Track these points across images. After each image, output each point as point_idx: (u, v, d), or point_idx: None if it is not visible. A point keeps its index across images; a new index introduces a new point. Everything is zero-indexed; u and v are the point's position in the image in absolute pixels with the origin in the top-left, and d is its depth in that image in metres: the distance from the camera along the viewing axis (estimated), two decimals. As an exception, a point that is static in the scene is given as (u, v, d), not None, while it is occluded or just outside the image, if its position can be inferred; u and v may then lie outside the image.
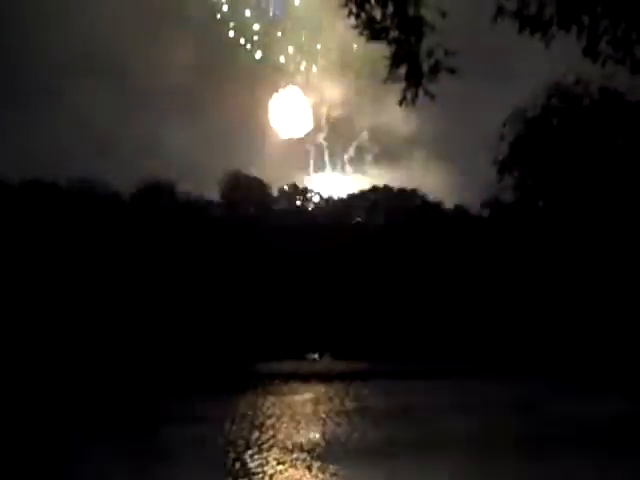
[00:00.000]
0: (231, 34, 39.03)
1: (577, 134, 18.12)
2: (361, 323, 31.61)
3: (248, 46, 38.92)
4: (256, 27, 39.70)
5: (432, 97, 6.34)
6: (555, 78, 17.87)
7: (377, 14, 6.72)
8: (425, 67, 6.32)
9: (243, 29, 39.46)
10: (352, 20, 6.86)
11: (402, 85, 6.53)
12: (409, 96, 6.24)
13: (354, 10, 6.61)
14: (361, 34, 6.63)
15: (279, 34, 40.96)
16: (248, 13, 39.98)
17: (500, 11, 6.49)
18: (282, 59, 40.68)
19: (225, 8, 39.17)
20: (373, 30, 6.62)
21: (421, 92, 6.50)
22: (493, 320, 28.35)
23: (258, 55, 39.39)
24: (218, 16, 38.73)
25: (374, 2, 6.46)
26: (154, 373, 24.06)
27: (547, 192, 19.30)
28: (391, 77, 6.34)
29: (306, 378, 24.41)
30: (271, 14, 41.13)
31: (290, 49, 40.63)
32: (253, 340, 30.37)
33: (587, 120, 18.20)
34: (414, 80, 6.16)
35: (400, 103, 6.22)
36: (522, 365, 23.83)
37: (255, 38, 39.16)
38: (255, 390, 20.87)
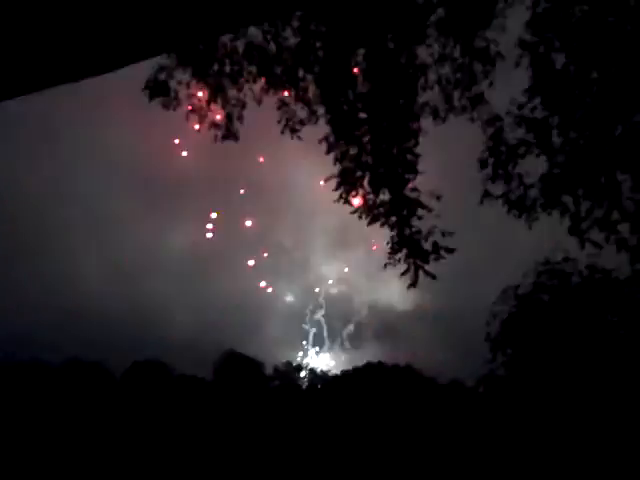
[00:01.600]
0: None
1: (567, 312, 18.43)
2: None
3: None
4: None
5: (433, 277, 6.58)
6: (544, 255, 18.36)
7: (371, 199, 7.02)
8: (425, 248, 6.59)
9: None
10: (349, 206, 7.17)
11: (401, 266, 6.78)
12: (410, 277, 6.47)
13: (349, 198, 6.92)
14: (360, 218, 6.92)
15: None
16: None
17: (486, 194, 6.84)
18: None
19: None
20: (373, 215, 6.91)
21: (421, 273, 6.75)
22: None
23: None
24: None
25: (368, 189, 6.77)
26: None
27: (539, 370, 19.42)
28: (391, 261, 6.59)
29: None
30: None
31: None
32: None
33: (576, 297, 18.55)
34: (416, 261, 6.41)
35: (410, 286, 6.44)
36: None
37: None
38: None
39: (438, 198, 6.70)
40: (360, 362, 42.25)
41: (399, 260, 6.58)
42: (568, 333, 18.47)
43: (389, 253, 6.54)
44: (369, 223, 6.96)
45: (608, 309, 18.51)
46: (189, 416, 32.09)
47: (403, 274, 6.45)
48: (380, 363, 39.82)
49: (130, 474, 27.90)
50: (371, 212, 6.92)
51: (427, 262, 6.44)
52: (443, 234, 6.63)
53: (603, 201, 6.57)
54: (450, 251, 6.61)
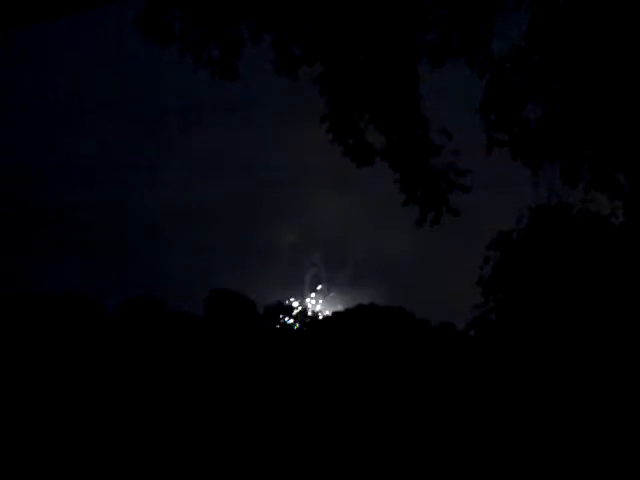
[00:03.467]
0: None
1: (560, 257, 18.46)
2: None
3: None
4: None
5: (457, 213, 6.53)
6: (539, 202, 18.32)
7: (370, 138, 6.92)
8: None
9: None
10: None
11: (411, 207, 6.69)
12: (430, 216, 6.40)
13: (345, 139, 6.81)
14: (354, 160, 6.82)
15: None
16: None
17: (492, 142, 6.77)
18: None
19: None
20: (367, 155, 6.81)
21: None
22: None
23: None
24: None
25: (366, 129, 6.67)
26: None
27: (531, 315, 19.51)
28: (409, 201, 6.51)
29: None
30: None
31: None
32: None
33: (570, 243, 18.57)
34: (436, 200, 6.33)
35: (419, 223, 6.38)
36: None
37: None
38: None
39: (449, 137, 6.63)
40: (353, 303, 42.43)
41: (413, 200, 6.53)
42: (561, 278, 18.52)
43: (407, 195, 6.45)
44: (359, 165, 6.85)
45: (602, 254, 18.56)
46: (184, 354, 32.21)
47: (422, 216, 6.39)
48: (372, 305, 40.00)
49: (123, 412, 28.05)
50: (369, 155, 6.83)
51: (447, 201, 6.38)
52: (458, 173, 6.58)
53: (600, 148, 6.55)
54: (466, 189, 6.57)
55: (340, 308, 43.34)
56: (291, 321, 42.51)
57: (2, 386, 25.25)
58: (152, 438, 26.23)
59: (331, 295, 46.73)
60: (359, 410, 29.84)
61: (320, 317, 42.30)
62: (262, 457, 21.36)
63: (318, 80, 7.04)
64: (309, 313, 41.98)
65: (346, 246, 49.16)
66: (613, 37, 6.44)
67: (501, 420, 22.60)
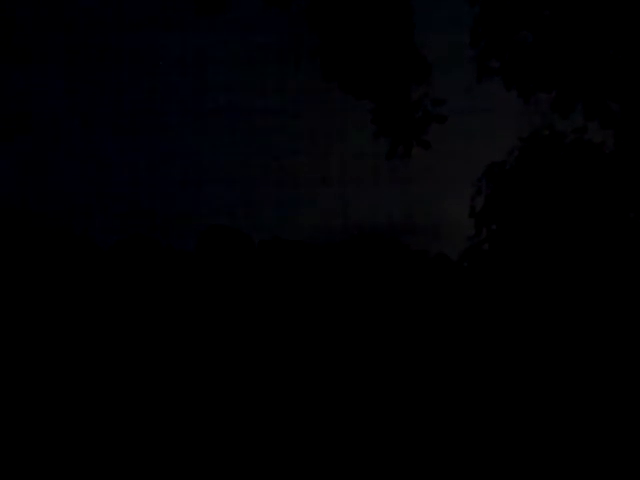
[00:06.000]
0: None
1: (553, 186, 18.50)
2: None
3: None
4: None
5: (428, 145, 6.51)
6: (530, 131, 18.30)
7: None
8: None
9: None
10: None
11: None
12: (401, 148, 6.38)
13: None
14: (350, 93, 6.74)
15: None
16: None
17: (484, 70, 6.70)
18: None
19: None
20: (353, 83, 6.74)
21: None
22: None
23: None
24: None
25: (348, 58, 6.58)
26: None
27: (524, 245, 19.59)
28: (380, 133, 6.46)
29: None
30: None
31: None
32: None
33: (562, 172, 18.59)
34: (408, 132, 6.29)
35: (389, 156, 6.34)
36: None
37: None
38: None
39: (427, 69, 6.57)
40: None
41: (385, 132, 6.49)
42: (553, 207, 18.57)
43: (378, 127, 6.41)
44: (347, 89, 6.73)
45: (594, 183, 18.60)
46: (179, 291, 32.22)
47: (392, 149, 6.36)
48: (366, 236, 39.91)
49: (117, 351, 28.07)
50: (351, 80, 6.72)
51: (423, 132, 6.36)
52: (435, 101, 6.53)
53: (594, 75, 6.50)
54: (442, 120, 6.53)
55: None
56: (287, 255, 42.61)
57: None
58: (139, 382, 26.22)
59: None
60: (358, 345, 29.98)
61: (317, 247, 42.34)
62: (257, 398, 21.51)
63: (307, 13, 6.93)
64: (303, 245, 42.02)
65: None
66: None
67: (497, 356, 22.81)
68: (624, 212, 18.66)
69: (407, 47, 6.20)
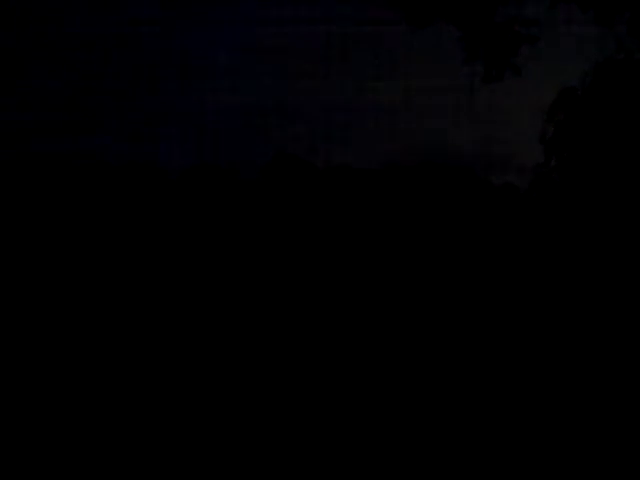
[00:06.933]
0: None
1: (629, 113, 18.08)
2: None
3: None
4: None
5: (518, 71, 6.36)
6: (605, 56, 17.87)
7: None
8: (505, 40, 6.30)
9: None
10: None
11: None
12: (494, 72, 6.24)
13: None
14: (411, 23, 6.59)
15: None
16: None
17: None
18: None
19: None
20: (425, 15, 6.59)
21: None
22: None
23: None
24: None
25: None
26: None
27: (595, 175, 19.28)
28: (472, 58, 6.32)
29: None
30: None
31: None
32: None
33: (636, 97, 18.15)
34: (499, 56, 6.14)
35: (485, 80, 6.21)
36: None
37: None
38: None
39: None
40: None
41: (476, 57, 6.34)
42: (628, 135, 18.19)
43: (469, 53, 6.27)
44: (420, 27, 6.61)
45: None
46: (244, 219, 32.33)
47: (487, 72, 6.22)
48: (430, 162, 39.49)
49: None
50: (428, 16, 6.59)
51: (515, 54, 6.20)
52: (524, 22, 6.36)
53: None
54: (533, 40, 6.37)
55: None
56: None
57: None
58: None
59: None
60: (419, 269, 29.84)
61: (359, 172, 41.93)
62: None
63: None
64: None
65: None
66: None
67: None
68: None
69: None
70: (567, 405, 12.47)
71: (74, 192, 28.98)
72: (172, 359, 20.04)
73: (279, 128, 22.08)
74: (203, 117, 21.55)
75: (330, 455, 10.00)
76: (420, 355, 16.53)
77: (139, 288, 22.24)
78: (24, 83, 20.58)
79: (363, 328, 20.22)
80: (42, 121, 21.42)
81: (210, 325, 19.47)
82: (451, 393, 13.67)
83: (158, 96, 20.94)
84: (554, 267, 25.85)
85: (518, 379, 15.62)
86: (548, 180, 21.41)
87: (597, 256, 19.32)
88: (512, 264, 28.83)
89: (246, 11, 18.94)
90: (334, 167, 30.22)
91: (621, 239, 18.85)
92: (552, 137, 19.58)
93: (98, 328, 19.33)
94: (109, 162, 32.30)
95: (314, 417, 11.31)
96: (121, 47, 20.43)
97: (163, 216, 30.24)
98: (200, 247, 27.93)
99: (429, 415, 12.51)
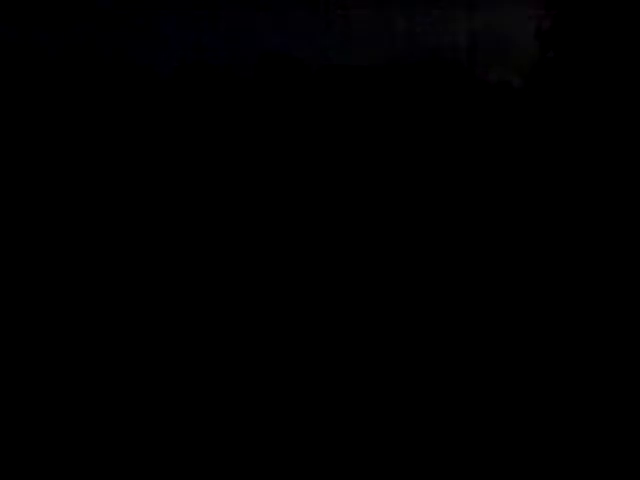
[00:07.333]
0: None
1: (625, 6, 17.90)
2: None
3: None
4: None
5: None
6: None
7: None
8: None
9: None
10: None
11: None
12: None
13: None
14: None
15: None
16: None
17: None
18: None
19: None
20: None
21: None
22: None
23: None
24: None
25: None
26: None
27: (591, 69, 19.17)
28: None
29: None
30: None
31: None
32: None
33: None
34: None
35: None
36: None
37: None
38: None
39: None
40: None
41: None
42: (622, 28, 18.04)
43: None
44: None
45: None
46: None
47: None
48: (430, 60, 39.02)
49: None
50: None
51: None
52: None
53: None
54: None
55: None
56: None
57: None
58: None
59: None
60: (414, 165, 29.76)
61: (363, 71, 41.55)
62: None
63: None
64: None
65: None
66: None
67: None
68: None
69: None
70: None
71: (58, 86, 28.71)
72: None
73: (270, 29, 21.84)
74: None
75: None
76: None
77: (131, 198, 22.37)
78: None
79: (359, 244, 20.45)
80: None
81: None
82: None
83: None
84: (549, 160, 25.81)
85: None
86: (544, 73, 21.28)
87: (596, 149, 19.32)
88: (507, 159, 28.76)
89: None
90: (326, 65, 30.14)
91: (620, 131, 18.82)
92: (549, 31, 19.38)
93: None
94: (100, 56, 31.87)
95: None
96: None
97: (157, 113, 30.06)
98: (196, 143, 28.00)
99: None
